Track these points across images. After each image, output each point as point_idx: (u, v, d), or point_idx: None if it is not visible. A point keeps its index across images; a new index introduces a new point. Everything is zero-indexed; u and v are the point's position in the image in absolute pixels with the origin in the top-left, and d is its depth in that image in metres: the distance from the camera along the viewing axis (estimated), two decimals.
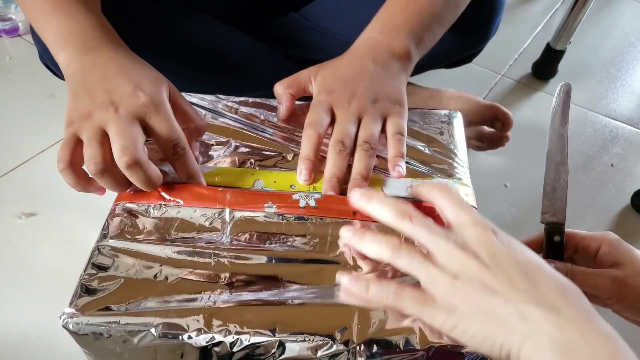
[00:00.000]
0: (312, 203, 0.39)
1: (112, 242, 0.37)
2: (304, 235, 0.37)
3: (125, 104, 0.38)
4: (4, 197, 0.74)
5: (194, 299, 0.33)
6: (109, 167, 0.37)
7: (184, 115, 0.43)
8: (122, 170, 0.37)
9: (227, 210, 0.39)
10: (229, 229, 0.38)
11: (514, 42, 1.11)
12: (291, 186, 0.41)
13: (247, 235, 0.37)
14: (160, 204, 0.40)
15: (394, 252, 0.30)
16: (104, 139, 0.37)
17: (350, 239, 0.33)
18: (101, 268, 0.36)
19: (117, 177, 0.38)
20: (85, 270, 0.36)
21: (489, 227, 0.31)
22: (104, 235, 0.38)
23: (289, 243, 0.37)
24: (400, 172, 0.42)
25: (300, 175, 0.42)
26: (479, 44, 0.71)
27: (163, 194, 0.40)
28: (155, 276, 0.35)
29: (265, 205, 0.39)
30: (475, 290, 0.28)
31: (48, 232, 0.70)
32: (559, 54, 0.99)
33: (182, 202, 0.39)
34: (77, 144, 0.37)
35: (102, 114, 0.37)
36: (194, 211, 0.39)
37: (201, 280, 0.34)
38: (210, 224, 0.38)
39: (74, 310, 0.33)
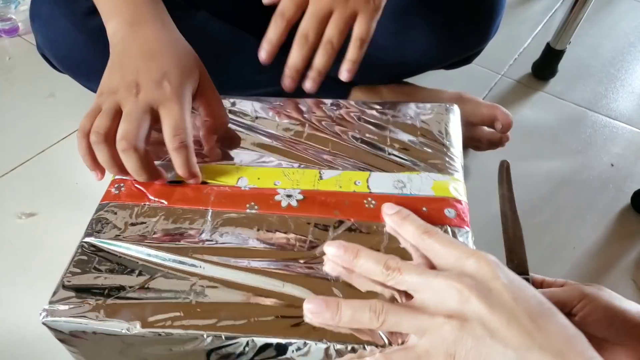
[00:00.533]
0: (294, 204, 0.39)
1: (93, 240, 0.38)
2: (285, 232, 0.37)
3: (146, 90, 0.39)
4: (4, 197, 0.74)
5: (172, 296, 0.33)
6: (107, 141, 0.38)
7: (208, 109, 0.43)
8: (119, 153, 0.38)
9: (210, 211, 0.39)
10: (210, 229, 0.38)
11: (513, 42, 1.11)
12: (275, 182, 0.41)
13: (227, 236, 0.37)
14: (144, 204, 0.40)
15: (378, 318, 0.28)
16: (117, 115, 0.38)
17: (337, 260, 0.33)
18: (82, 265, 0.36)
19: (111, 153, 0.38)
20: (67, 269, 0.37)
21: (487, 259, 0.28)
22: (87, 233, 0.39)
23: (270, 241, 0.37)
24: (347, 77, 0.43)
25: (260, 53, 0.44)
26: (478, 45, 0.71)
27: (148, 194, 0.40)
28: (134, 274, 0.35)
29: (247, 206, 0.39)
30: (473, 332, 0.26)
31: (48, 232, 0.70)
32: (559, 54, 0.99)
33: (166, 203, 0.39)
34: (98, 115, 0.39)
35: (124, 93, 0.39)
36: (178, 211, 0.39)
37: (177, 278, 0.34)
38: (192, 224, 0.38)
39: (53, 307, 0.34)
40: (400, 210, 0.35)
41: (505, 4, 0.68)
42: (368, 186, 0.41)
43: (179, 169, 0.40)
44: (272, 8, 0.58)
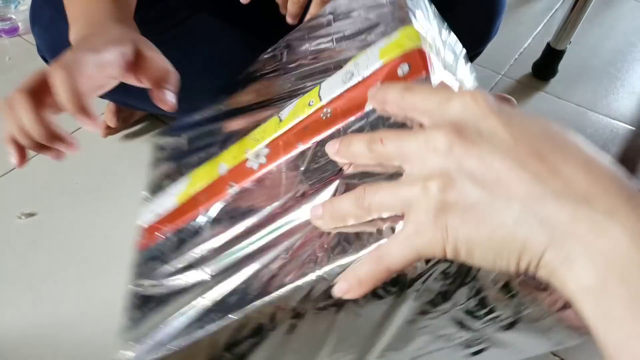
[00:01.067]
0: (263, 160, 0.36)
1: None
2: (267, 190, 0.35)
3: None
4: (3, 197, 0.74)
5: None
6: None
7: (149, 65, 0.44)
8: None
9: (204, 214, 0.38)
10: (209, 228, 0.37)
11: (514, 42, 1.11)
12: (246, 151, 0.39)
13: (225, 223, 0.36)
14: (158, 239, 0.40)
15: (362, 204, 0.24)
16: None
17: (337, 152, 0.27)
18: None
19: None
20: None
21: (474, 95, 0.22)
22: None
23: (261, 205, 0.34)
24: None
25: None
26: (479, 45, 0.71)
27: (159, 229, 0.41)
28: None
29: (229, 187, 0.37)
30: (462, 192, 0.20)
31: (47, 232, 0.70)
32: (560, 54, 0.99)
33: (168, 234, 0.40)
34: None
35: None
36: (181, 232, 0.39)
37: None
38: (197, 234, 0.37)
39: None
40: (376, 90, 0.28)
41: (506, 5, 0.68)
42: (320, 98, 0.36)
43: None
44: (274, 8, 0.58)
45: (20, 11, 1.04)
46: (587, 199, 0.19)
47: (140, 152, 0.82)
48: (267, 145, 0.37)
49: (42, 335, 0.60)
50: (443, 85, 0.26)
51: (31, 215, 0.72)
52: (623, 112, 0.96)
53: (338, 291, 0.25)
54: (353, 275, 0.24)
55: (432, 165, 0.21)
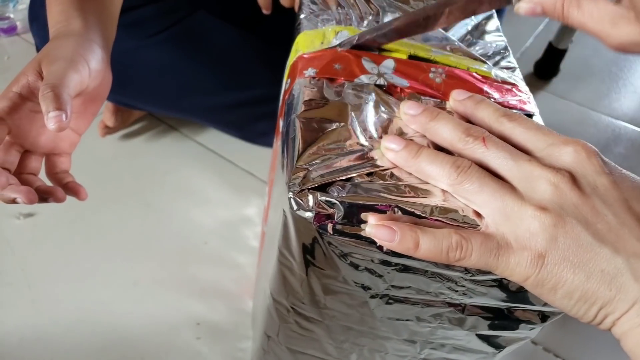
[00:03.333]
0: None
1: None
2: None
3: None
4: None
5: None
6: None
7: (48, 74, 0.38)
8: None
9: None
10: None
11: (515, 41, 1.10)
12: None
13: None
14: None
15: (457, 175, 0.23)
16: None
17: (411, 122, 0.27)
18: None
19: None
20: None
21: (588, 149, 0.23)
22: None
23: None
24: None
25: None
26: None
27: None
28: None
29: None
30: (572, 233, 0.21)
31: (46, 233, 0.70)
32: (561, 53, 0.98)
33: None
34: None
35: None
36: None
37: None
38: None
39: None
40: (473, 95, 0.29)
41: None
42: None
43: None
44: (274, 7, 0.58)
45: (19, 10, 1.04)
46: None
47: (139, 151, 0.81)
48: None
49: (41, 336, 0.60)
50: (539, 125, 0.26)
51: (30, 215, 0.72)
52: (625, 112, 0.95)
53: (379, 234, 0.23)
54: (413, 236, 0.23)
55: (544, 196, 0.22)
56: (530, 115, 0.32)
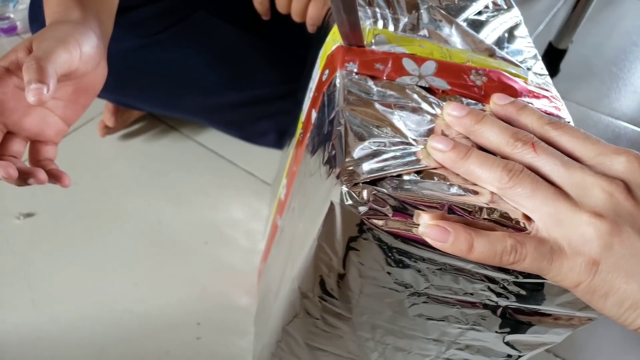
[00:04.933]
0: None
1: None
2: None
3: None
4: (2, 198, 0.74)
5: None
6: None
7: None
8: None
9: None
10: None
11: None
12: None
13: None
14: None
15: (509, 179, 0.23)
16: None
17: (454, 124, 0.26)
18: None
19: None
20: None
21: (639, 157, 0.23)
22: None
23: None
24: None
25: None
26: None
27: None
28: None
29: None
30: (629, 238, 0.21)
31: (46, 233, 0.70)
32: (562, 53, 0.98)
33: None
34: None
35: None
36: None
37: None
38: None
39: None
40: (515, 100, 0.29)
41: None
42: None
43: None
44: (274, 7, 0.58)
45: (19, 10, 1.04)
46: None
47: (139, 152, 0.81)
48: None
49: (41, 336, 0.60)
50: (586, 134, 0.26)
51: (30, 215, 0.72)
52: (625, 112, 0.95)
53: (432, 234, 0.23)
54: (467, 238, 0.23)
55: (598, 203, 0.22)
56: None
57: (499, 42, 0.39)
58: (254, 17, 0.67)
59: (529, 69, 0.36)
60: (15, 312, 0.62)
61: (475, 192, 0.25)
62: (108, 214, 0.72)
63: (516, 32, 0.40)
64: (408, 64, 0.33)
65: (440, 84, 0.32)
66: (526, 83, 0.34)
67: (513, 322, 0.31)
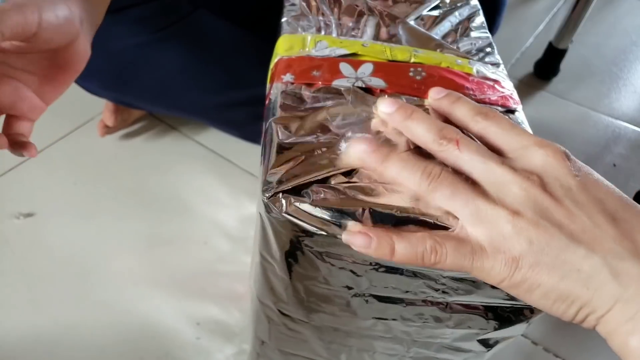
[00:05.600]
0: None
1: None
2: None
3: None
4: (1, 198, 0.74)
5: None
6: None
7: None
8: None
9: None
10: None
11: (515, 41, 1.10)
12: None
13: None
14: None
15: (429, 183, 0.23)
16: None
17: (387, 119, 0.27)
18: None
19: None
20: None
21: (559, 151, 0.23)
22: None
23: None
24: None
25: None
26: None
27: None
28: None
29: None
30: (547, 232, 0.21)
31: (46, 233, 0.70)
32: (561, 53, 0.98)
33: None
34: None
35: None
36: None
37: None
38: None
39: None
40: (450, 93, 0.29)
41: (507, 3, 0.68)
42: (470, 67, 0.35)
43: None
44: (275, 6, 0.58)
45: None
46: None
47: (139, 151, 0.81)
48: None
49: (40, 336, 0.60)
50: (513, 124, 0.26)
51: (29, 215, 0.72)
52: (625, 112, 0.95)
53: (356, 242, 0.24)
54: (388, 242, 0.23)
55: (516, 200, 0.22)
56: (512, 111, 0.32)
57: (451, 36, 0.39)
58: (254, 16, 0.67)
59: (480, 60, 0.37)
60: (15, 312, 0.62)
61: (401, 193, 0.25)
62: (107, 213, 0.72)
63: (472, 24, 0.40)
64: (345, 67, 0.33)
65: (378, 83, 0.32)
66: (470, 75, 0.34)
67: (464, 317, 0.31)
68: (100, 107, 0.81)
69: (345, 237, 0.24)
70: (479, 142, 0.26)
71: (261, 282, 0.32)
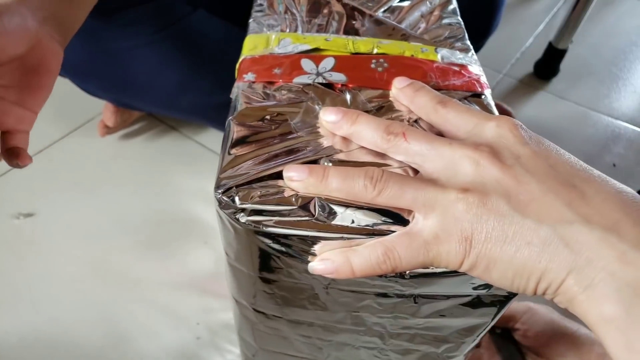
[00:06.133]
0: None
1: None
2: None
3: None
4: (1, 198, 0.74)
5: None
6: None
7: None
8: None
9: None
10: None
11: (515, 41, 1.10)
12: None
13: None
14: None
15: (374, 187, 0.23)
16: None
17: (333, 129, 0.27)
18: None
19: None
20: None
21: (510, 121, 0.23)
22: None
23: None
24: None
25: None
26: (479, 40, 0.70)
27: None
28: None
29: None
30: (495, 209, 0.21)
31: (46, 233, 0.70)
32: (561, 53, 0.98)
33: None
34: None
35: None
36: None
37: None
38: None
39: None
40: (413, 83, 0.29)
41: (506, 1, 0.68)
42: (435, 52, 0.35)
43: None
44: None
45: None
46: (616, 228, 0.19)
47: (138, 151, 0.81)
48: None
49: (40, 337, 0.60)
50: (469, 108, 0.26)
51: (29, 215, 0.72)
52: (624, 112, 0.95)
53: (320, 270, 0.24)
54: (345, 261, 0.24)
55: (466, 178, 0.22)
56: (478, 95, 0.32)
57: (422, 24, 0.39)
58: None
59: (450, 46, 0.37)
60: (14, 312, 0.62)
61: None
62: (108, 213, 0.72)
63: (444, 12, 0.40)
64: (306, 63, 0.33)
65: (339, 77, 0.32)
66: (434, 62, 0.34)
67: (433, 307, 0.31)
68: (100, 108, 0.81)
69: (311, 267, 0.25)
70: (427, 130, 0.26)
71: (231, 280, 0.33)
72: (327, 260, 0.24)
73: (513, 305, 0.38)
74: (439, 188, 0.22)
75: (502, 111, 0.74)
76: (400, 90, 0.29)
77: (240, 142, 0.29)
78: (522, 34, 1.12)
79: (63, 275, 0.65)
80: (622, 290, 0.18)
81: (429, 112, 0.27)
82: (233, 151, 0.28)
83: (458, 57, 0.35)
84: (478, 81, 0.33)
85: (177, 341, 0.60)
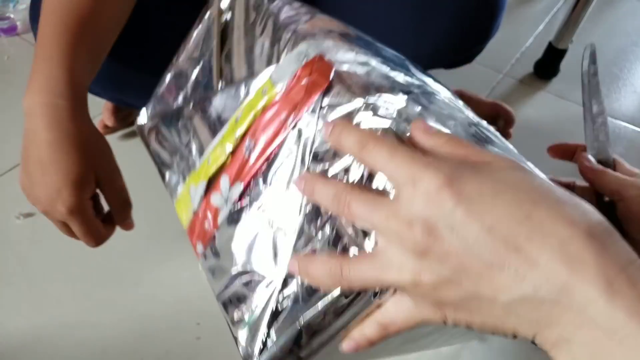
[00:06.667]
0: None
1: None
2: None
3: (50, 213, 0.45)
4: (2, 198, 0.74)
5: None
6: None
7: (112, 193, 0.50)
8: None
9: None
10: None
11: (515, 41, 1.10)
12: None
13: None
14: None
15: (340, 272, 0.25)
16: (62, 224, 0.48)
17: (303, 191, 0.27)
18: None
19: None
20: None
21: (438, 181, 0.21)
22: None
23: None
24: None
25: None
26: (479, 43, 0.70)
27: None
28: None
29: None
30: (452, 288, 0.22)
31: (46, 233, 0.70)
32: (561, 53, 0.98)
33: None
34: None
35: (41, 208, 0.46)
36: None
37: None
38: None
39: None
40: (333, 125, 0.26)
41: (507, 3, 0.68)
42: (272, 83, 0.32)
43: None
44: None
45: (19, 10, 1.04)
46: (566, 290, 0.19)
47: (138, 151, 0.81)
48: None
49: (41, 337, 0.60)
50: (404, 153, 0.23)
51: (29, 215, 0.72)
52: (625, 112, 0.95)
53: (348, 348, 0.28)
54: (361, 337, 0.27)
55: (410, 258, 0.22)
56: (327, 90, 0.29)
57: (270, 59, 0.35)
58: None
59: (277, 61, 0.33)
60: (15, 312, 0.62)
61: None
62: None
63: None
64: (215, 198, 0.36)
65: (236, 190, 0.33)
66: (274, 98, 0.32)
67: None
68: (100, 107, 0.81)
69: (346, 348, 0.28)
70: (365, 189, 0.25)
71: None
72: (349, 341, 0.28)
73: (621, 180, 0.37)
74: (395, 271, 0.23)
75: (502, 111, 0.74)
76: (329, 138, 0.27)
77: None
78: (522, 34, 1.12)
79: (63, 275, 0.65)
80: (579, 351, 0.19)
81: (356, 152, 0.25)
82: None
83: (291, 66, 0.32)
84: (315, 80, 0.29)
85: (177, 341, 0.60)
